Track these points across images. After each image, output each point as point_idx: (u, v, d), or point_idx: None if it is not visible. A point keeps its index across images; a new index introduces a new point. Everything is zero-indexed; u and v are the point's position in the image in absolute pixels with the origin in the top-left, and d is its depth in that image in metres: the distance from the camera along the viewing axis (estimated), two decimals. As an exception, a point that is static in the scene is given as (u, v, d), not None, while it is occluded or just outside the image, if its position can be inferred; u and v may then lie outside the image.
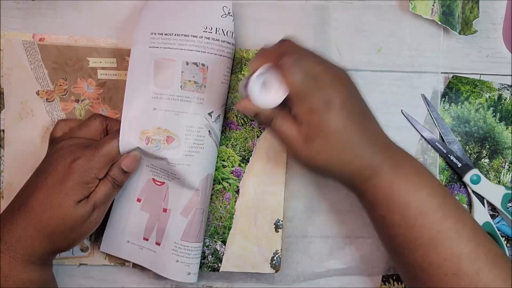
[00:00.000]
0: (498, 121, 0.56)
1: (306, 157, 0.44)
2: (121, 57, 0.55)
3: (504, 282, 0.42)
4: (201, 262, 0.54)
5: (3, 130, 0.55)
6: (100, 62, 0.55)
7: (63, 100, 0.56)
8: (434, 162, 0.56)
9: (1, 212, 0.48)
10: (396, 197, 0.44)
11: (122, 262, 0.56)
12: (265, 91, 0.44)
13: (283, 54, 0.43)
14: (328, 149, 0.44)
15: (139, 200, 0.54)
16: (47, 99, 0.55)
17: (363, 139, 0.44)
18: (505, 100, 0.56)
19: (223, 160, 0.55)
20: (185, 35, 0.51)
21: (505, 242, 0.55)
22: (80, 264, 0.56)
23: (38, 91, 0.55)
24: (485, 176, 0.55)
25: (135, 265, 0.56)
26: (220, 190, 0.55)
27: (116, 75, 0.56)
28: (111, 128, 0.52)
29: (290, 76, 0.43)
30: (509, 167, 0.56)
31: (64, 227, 0.46)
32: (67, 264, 0.56)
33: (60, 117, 0.55)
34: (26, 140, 0.55)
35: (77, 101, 0.56)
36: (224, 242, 0.55)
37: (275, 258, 0.55)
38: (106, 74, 0.56)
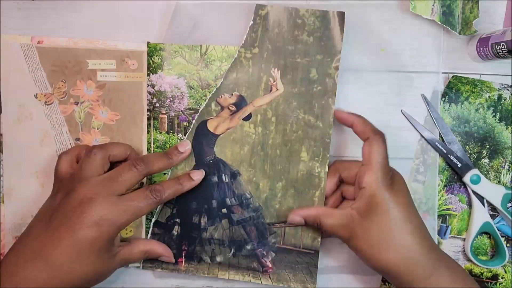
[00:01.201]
0: (498, 121, 0.56)
1: (362, 238, 0.48)
2: (121, 58, 0.55)
3: None
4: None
5: (1, 135, 0.55)
6: (100, 64, 0.55)
7: (62, 102, 0.55)
8: (434, 162, 0.56)
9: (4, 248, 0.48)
10: None
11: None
12: None
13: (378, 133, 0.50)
14: (377, 247, 0.48)
15: None
16: (45, 102, 0.55)
17: (407, 246, 0.48)
18: (505, 100, 0.56)
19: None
20: None
21: (505, 242, 0.55)
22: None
23: (37, 94, 0.55)
24: (485, 176, 0.55)
25: (136, 266, 0.56)
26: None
27: (115, 76, 0.55)
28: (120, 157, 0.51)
29: (376, 149, 0.49)
30: (509, 167, 0.56)
31: (95, 280, 0.47)
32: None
33: (59, 120, 0.55)
34: (25, 144, 0.55)
35: (76, 103, 0.55)
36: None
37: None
38: (105, 76, 0.55)
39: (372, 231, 0.47)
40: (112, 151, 0.51)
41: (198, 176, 0.53)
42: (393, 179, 0.49)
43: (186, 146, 0.54)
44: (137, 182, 0.49)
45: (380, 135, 0.50)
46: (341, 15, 0.54)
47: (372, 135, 0.49)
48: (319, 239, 0.55)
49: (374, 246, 0.47)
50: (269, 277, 0.55)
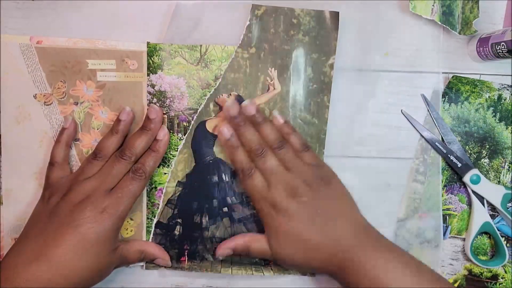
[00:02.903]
0: (498, 121, 0.56)
1: (275, 254, 0.50)
2: (121, 58, 0.55)
3: None
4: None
5: (0, 135, 0.55)
6: (99, 64, 0.55)
7: (62, 103, 0.55)
8: (434, 162, 0.56)
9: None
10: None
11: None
12: None
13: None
14: (287, 251, 0.49)
15: None
16: (44, 102, 0.55)
17: (319, 242, 0.48)
18: (505, 100, 0.56)
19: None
20: None
21: (505, 242, 0.55)
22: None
23: (36, 94, 0.55)
24: (485, 176, 0.56)
25: (136, 265, 0.56)
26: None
27: (115, 76, 0.55)
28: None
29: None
30: (509, 167, 0.56)
31: (98, 276, 0.48)
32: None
33: (58, 120, 0.55)
34: (24, 145, 0.55)
35: (76, 103, 0.55)
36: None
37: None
38: (105, 76, 0.55)
39: (286, 248, 0.49)
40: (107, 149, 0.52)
41: (164, 131, 0.53)
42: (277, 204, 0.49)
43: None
44: (127, 170, 0.50)
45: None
46: (336, 15, 0.55)
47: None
48: None
49: (292, 254, 0.49)
50: (271, 268, 0.56)
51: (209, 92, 0.55)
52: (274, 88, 0.55)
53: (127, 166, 0.50)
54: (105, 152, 0.51)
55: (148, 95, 0.55)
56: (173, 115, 0.55)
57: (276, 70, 0.55)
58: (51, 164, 0.53)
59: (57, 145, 0.53)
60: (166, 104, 0.55)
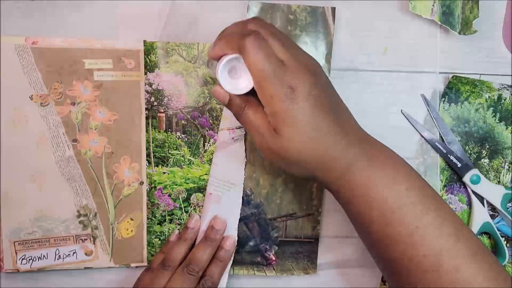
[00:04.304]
0: (498, 121, 0.56)
1: (276, 149, 0.42)
2: (118, 57, 0.54)
3: (484, 277, 0.41)
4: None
5: (-3, 138, 0.54)
6: (96, 63, 0.54)
7: (59, 103, 0.54)
8: (434, 162, 0.56)
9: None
10: (373, 192, 0.42)
11: (127, 263, 0.56)
12: (236, 77, 0.43)
13: (248, 35, 0.41)
14: (297, 140, 0.42)
15: None
16: (41, 103, 0.54)
17: (335, 130, 0.42)
18: (505, 100, 0.56)
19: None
20: None
21: (505, 242, 0.56)
22: (85, 268, 0.56)
23: (32, 95, 0.54)
24: (485, 176, 0.56)
25: (138, 266, 0.56)
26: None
27: (112, 76, 0.54)
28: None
29: (251, 59, 0.41)
30: (509, 167, 0.56)
31: None
32: (71, 269, 0.56)
33: (55, 121, 0.54)
34: (21, 147, 0.54)
35: (73, 104, 0.54)
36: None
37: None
38: (102, 76, 0.54)
39: (296, 136, 0.42)
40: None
41: (231, 241, 0.55)
42: (291, 80, 0.41)
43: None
44: (195, 284, 0.51)
45: (252, 36, 0.41)
46: (332, 10, 0.55)
47: (241, 41, 0.41)
48: (319, 227, 0.56)
49: (302, 142, 0.42)
50: (273, 268, 0.57)
51: (208, 89, 0.55)
52: None
53: (195, 280, 0.51)
54: (175, 262, 0.52)
55: (146, 93, 0.55)
56: (171, 113, 0.55)
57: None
58: (149, 268, 0.54)
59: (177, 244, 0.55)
60: (164, 102, 0.55)
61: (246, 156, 0.55)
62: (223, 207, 0.54)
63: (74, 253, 0.55)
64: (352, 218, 0.46)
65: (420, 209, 0.42)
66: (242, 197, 0.56)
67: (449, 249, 0.42)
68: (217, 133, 0.55)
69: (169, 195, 0.56)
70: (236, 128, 0.55)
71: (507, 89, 0.56)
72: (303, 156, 0.43)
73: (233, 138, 0.55)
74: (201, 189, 0.56)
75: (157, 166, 0.55)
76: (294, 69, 0.41)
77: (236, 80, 0.43)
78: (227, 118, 0.55)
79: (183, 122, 0.55)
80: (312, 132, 0.42)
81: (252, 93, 0.43)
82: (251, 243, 0.56)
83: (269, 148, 0.43)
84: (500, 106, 0.56)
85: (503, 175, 0.56)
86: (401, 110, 0.57)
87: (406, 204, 0.42)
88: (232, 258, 0.55)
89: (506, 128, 0.56)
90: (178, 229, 0.56)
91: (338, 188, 0.44)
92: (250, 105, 0.43)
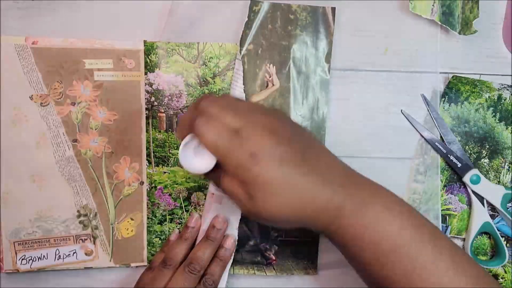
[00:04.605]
0: (498, 121, 0.56)
1: (256, 213, 0.41)
2: (118, 57, 0.54)
3: None
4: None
5: (-3, 137, 0.54)
6: (96, 63, 0.54)
7: (59, 104, 0.54)
8: (434, 162, 0.56)
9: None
10: (365, 236, 0.41)
11: (127, 263, 0.56)
12: (199, 156, 0.42)
13: (196, 117, 0.41)
14: (273, 203, 0.40)
15: None
16: (41, 103, 0.54)
17: (313, 181, 0.41)
18: (505, 100, 0.56)
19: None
20: None
21: (505, 242, 0.56)
22: (85, 268, 0.56)
23: (32, 95, 0.54)
24: (485, 176, 0.56)
25: (139, 266, 0.56)
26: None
27: (113, 76, 0.54)
28: None
29: (203, 139, 0.40)
30: (509, 167, 0.56)
31: None
32: (71, 268, 0.56)
33: (55, 121, 0.54)
34: (21, 147, 0.54)
35: (73, 104, 0.54)
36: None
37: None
38: (102, 76, 0.54)
39: (272, 200, 0.41)
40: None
41: (231, 240, 0.54)
42: (249, 147, 0.40)
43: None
44: (196, 283, 0.51)
45: (199, 116, 0.41)
46: (332, 10, 0.55)
47: (192, 124, 0.41)
48: None
49: (279, 205, 0.41)
50: (273, 268, 0.57)
51: (208, 90, 0.55)
52: (273, 84, 0.55)
53: (196, 279, 0.51)
54: (175, 261, 0.52)
55: (146, 93, 0.55)
56: (171, 113, 0.55)
57: (274, 66, 0.55)
58: (150, 268, 0.54)
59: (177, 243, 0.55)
60: (164, 102, 0.55)
61: None
62: (224, 207, 0.54)
63: (74, 253, 0.55)
64: (347, 258, 0.45)
65: (414, 248, 0.41)
66: None
67: (448, 282, 0.41)
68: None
69: (170, 195, 0.56)
70: None
71: (507, 89, 0.56)
72: (284, 216, 0.41)
73: None
74: (202, 188, 0.56)
75: (158, 166, 0.55)
76: (250, 135, 0.40)
77: (202, 156, 0.42)
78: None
79: (183, 122, 0.55)
80: (287, 191, 0.40)
81: None
82: (251, 243, 0.56)
83: (249, 211, 0.42)
84: (500, 106, 0.56)
85: (503, 175, 0.56)
86: (401, 110, 0.57)
87: (400, 246, 0.41)
88: (232, 258, 0.54)
89: (506, 128, 0.56)
90: (179, 229, 0.56)
91: (329, 234, 0.43)
92: (225, 175, 0.42)
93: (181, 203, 0.56)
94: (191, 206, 0.56)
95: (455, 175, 0.56)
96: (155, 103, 0.55)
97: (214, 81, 0.55)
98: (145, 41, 0.54)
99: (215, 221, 0.54)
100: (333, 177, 0.42)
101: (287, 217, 0.41)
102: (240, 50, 0.55)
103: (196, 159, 0.42)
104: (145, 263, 0.56)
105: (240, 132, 0.40)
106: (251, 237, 0.56)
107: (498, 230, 0.55)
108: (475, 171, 0.55)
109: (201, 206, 0.56)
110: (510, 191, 0.55)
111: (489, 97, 0.56)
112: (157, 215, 0.56)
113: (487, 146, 0.56)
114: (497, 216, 0.56)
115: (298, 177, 0.40)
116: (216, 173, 0.42)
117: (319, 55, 0.55)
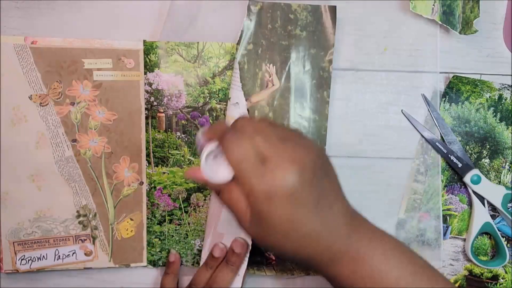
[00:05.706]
0: (498, 121, 0.56)
1: (252, 234, 0.41)
2: (117, 57, 0.54)
3: None
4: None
5: (-4, 138, 0.54)
6: (96, 63, 0.54)
7: (58, 103, 0.54)
8: (435, 162, 0.56)
9: None
10: (359, 286, 0.41)
11: (127, 263, 0.56)
12: (216, 166, 0.41)
13: (228, 132, 0.40)
14: (274, 236, 0.40)
15: None
16: (40, 103, 0.54)
17: (318, 230, 0.40)
18: (505, 100, 0.56)
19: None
20: None
21: (505, 242, 0.56)
22: (85, 268, 0.56)
23: (31, 95, 0.54)
24: (486, 176, 0.56)
25: (137, 266, 0.57)
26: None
27: (112, 75, 0.54)
28: None
29: (228, 156, 0.39)
30: (510, 167, 0.56)
31: None
32: (71, 269, 0.56)
33: (55, 121, 0.54)
34: (20, 147, 0.54)
35: (72, 104, 0.54)
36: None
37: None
38: (102, 75, 0.54)
39: (272, 235, 0.41)
40: None
41: (245, 265, 0.55)
42: (270, 180, 0.39)
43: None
44: None
45: (231, 132, 0.40)
46: (333, 9, 0.55)
47: (222, 136, 0.41)
48: None
49: (279, 241, 0.41)
50: (273, 268, 0.57)
51: (208, 89, 0.55)
52: (273, 84, 0.55)
53: None
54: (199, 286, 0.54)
55: (146, 93, 0.55)
56: (171, 113, 0.55)
57: (274, 66, 0.55)
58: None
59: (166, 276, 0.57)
60: (164, 102, 0.55)
61: None
62: None
63: (73, 253, 0.55)
64: None
65: None
66: None
67: None
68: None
69: (169, 195, 0.56)
70: None
71: (508, 89, 0.56)
72: (281, 251, 0.41)
73: None
74: (201, 189, 0.56)
75: (157, 166, 0.55)
76: (274, 168, 0.39)
77: (216, 169, 0.41)
78: (232, 119, 0.55)
79: (183, 122, 0.55)
80: (291, 232, 0.40)
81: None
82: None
83: (247, 232, 0.42)
84: (500, 106, 0.56)
85: (504, 175, 0.56)
86: (402, 110, 0.56)
87: None
88: (246, 262, 0.54)
89: (507, 128, 0.56)
90: (178, 229, 0.56)
91: (324, 276, 0.43)
92: (227, 189, 0.41)
93: (180, 204, 0.56)
94: (191, 207, 0.56)
95: (455, 175, 0.56)
96: (155, 103, 0.55)
97: (213, 81, 0.55)
98: (144, 41, 0.54)
99: (235, 245, 0.54)
100: (339, 227, 0.42)
101: (283, 252, 0.41)
102: (237, 48, 0.55)
103: (214, 169, 0.41)
104: (145, 264, 0.56)
105: (266, 161, 0.39)
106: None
107: (499, 230, 0.55)
108: (475, 171, 0.55)
109: (201, 207, 0.56)
110: (510, 191, 0.55)
111: (489, 97, 0.56)
112: (156, 215, 0.56)
113: (488, 146, 0.56)
114: (497, 216, 0.56)
115: (305, 221, 0.40)
116: (216, 184, 0.42)
117: (319, 55, 0.55)
